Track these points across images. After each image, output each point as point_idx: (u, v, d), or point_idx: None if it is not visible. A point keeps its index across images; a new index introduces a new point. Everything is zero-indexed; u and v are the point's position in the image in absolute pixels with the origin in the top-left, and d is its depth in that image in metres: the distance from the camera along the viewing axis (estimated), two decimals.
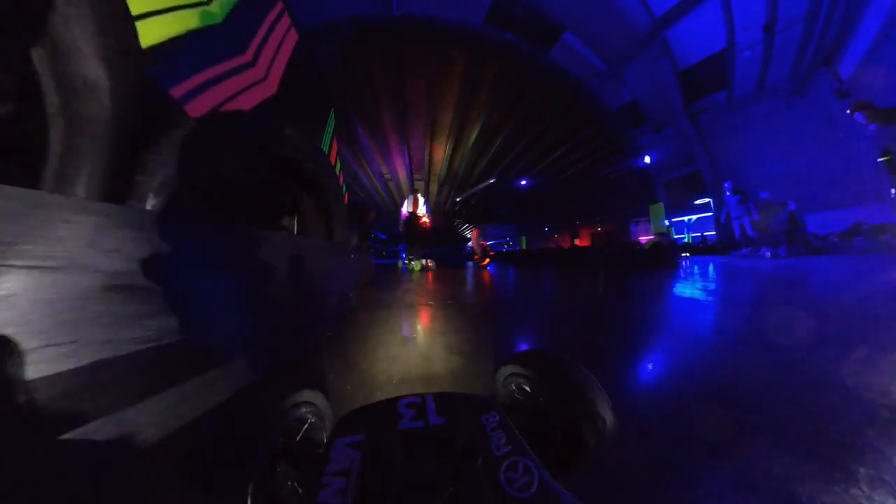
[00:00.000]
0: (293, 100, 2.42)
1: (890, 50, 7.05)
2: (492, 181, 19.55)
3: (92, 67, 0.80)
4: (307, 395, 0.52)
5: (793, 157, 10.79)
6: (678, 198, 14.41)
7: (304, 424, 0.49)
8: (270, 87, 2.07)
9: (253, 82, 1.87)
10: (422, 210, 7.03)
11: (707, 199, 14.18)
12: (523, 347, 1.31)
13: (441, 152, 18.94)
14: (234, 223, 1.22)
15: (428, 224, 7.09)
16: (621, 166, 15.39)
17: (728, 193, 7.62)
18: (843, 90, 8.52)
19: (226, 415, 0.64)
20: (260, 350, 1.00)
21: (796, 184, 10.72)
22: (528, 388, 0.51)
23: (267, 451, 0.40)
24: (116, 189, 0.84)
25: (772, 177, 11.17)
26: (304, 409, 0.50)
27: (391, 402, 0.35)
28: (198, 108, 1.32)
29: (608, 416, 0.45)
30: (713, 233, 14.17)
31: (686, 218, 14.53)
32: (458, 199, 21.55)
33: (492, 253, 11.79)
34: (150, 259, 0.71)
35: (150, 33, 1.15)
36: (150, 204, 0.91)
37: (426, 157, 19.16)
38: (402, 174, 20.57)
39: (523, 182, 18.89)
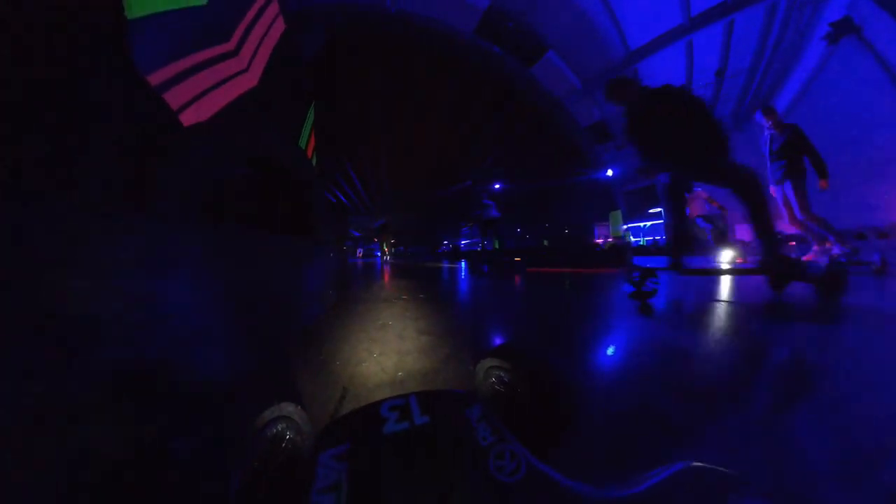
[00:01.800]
0: (274, 93, 2.27)
1: (803, 108, 9.00)
2: (468, 183, 20.01)
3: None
4: (282, 408, 0.47)
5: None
6: (636, 206, 16.41)
7: (282, 442, 0.44)
8: (252, 79, 1.94)
9: (234, 73, 1.74)
10: None
11: (659, 209, 16.47)
12: (499, 341, 1.37)
13: (421, 151, 18.78)
14: (218, 224, 1.14)
15: None
16: (588, 177, 16.87)
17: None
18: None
19: (193, 434, 0.53)
20: (231, 355, 0.93)
21: (728, 200, 13.13)
22: (506, 379, 0.53)
23: (241, 480, 0.36)
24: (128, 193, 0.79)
25: (713, 193, 13.51)
26: (280, 426, 0.45)
27: (373, 407, 0.34)
28: (185, 108, 1.24)
29: (576, 399, 0.49)
30: (662, 237, 16.53)
31: (642, 224, 16.68)
32: (437, 196, 21.56)
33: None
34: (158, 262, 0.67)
35: (134, 5, 0.98)
36: (160, 208, 0.89)
37: (406, 156, 18.84)
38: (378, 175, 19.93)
39: (497, 186, 19.68)
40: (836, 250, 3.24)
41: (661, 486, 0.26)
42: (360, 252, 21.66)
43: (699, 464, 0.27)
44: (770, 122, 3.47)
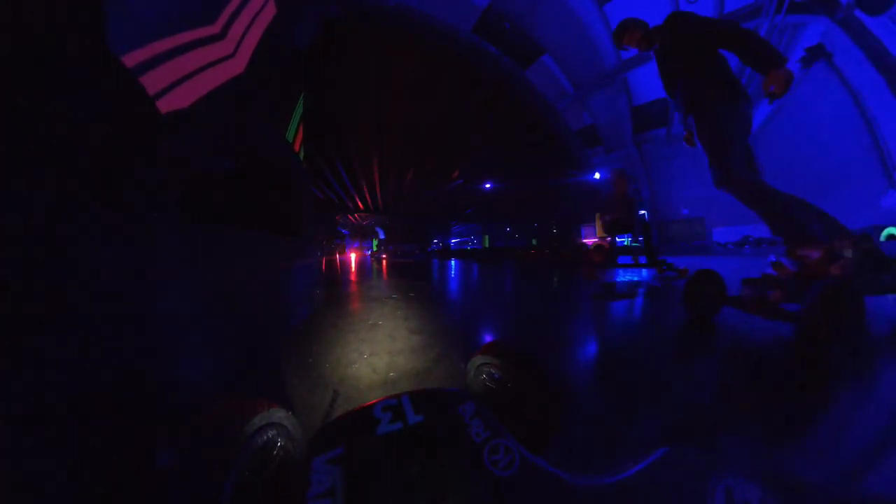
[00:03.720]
0: (261, 81, 2.17)
1: (775, 124, 9.74)
2: (459, 181, 20.17)
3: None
4: (271, 414, 0.46)
5: (706, 185, 13.90)
6: None
7: (274, 449, 0.44)
8: (238, 66, 1.85)
9: (219, 58, 1.65)
10: None
11: (644, 212, 17.24)
12: (489, 339, 1.40)
13: (413, 148, 18.74)
14: (198, 222, 1.13)
15: None
16: (576, 179, 17.43)
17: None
18: None
19: (179, 445, 0.46)
20: (215, 359, 0.91)
21: (707, 204, 13.98)
22: (496, 376, 0.54)
23: (232, 490, 0.35)
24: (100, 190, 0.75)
25: (691, 198, 14.33)
26: (270, 432, 0.45)
27: (366, 409, 0.34)
28: (164, 94, 1.19)
29: (564, 396, 0.51)
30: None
31: None
32: (427, 195, 21.63)
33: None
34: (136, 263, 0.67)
35: None
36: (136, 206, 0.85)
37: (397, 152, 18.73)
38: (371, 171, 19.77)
39: (488, 185, 19.95)
40: (813, 255, 1.32)
41: (646, 471, 0.28)
42: (348, 247, 21.37)
43: (681, 447, 0.29)
44: (633, 39, 1.72)
